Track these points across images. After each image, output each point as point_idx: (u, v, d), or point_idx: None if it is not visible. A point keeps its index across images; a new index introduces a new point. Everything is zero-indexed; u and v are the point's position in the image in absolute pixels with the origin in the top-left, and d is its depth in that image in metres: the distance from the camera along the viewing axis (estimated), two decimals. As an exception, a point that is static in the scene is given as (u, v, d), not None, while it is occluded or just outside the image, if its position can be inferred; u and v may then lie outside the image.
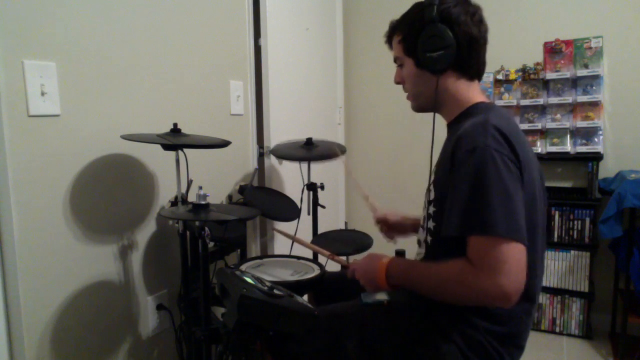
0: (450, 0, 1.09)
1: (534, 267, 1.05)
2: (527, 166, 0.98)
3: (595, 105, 2.51)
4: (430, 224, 1.11)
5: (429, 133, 3.22)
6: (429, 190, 1.12)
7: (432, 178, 1.12)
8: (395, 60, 1.21)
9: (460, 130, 1.02)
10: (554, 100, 2.57)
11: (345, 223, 2.85)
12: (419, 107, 1.22)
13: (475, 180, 0.94)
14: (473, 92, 1.13)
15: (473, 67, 1.13)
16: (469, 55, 1.10)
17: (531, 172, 1.01)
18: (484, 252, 0.92)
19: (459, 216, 0.95)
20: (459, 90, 1.13)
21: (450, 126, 1.16)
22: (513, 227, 0.91)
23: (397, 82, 1.22)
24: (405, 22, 1.15)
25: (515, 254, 0.90)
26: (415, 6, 1.14)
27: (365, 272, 1.13)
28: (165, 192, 1.76)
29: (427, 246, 1.14)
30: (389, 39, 1.21)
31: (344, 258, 1.38)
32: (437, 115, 1.20)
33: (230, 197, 2.11)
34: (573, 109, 2.56)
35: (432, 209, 1.10)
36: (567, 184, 2.65)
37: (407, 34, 1.14)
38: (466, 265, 0.94)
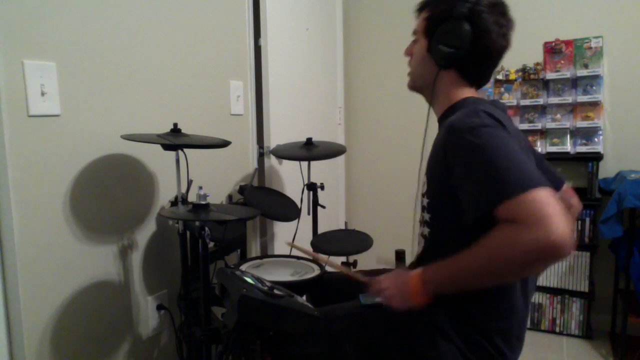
0: (487, 4, 1.06)
1: None
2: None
3: (595, 105, 2.51)
4: (426, 216, 1.11)
5: (429, 133, 3.21)
6: (420, 181, 1.13)
7: (425, 171, 1.12)
8: (414, 33, 1.19)
9: (450, 120, 1.02)
10: (554, 100, 2.57)
11: (345, 223, 2.85)
12: (413, 87, 1.22)
13: (480, 154, 0.92)
14: (465, 93, 1.13)
15: (476, 76, 1.13)
16: (477, 65, 1.10)
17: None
18: (520, 209, 0.85)
19: (480, 195, 0.91)
20: (453, 89, 1.13)
21: (440, 121, 1.16)
22: (529, 177, 0.87)
23: (407, 54, 1.22)
24: (439, 4, 1.11)
25: (546, 197, 0.84)
26: None
27: (396, 287, 1.03)
28: (165, 192, 1.76)
29: (425, 239, 1.14)
30: (420, 9, 1.18)
31: (363, 276, 1.30)
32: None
33: (230, 197, 2.11)
34: (573, 109, 2.56)
35: (425, 201, 1.10)
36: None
37: (434, 16, 1.12)
38: (511, 227, 0.86)
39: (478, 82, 1.14)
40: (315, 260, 1.53)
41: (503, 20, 1.07)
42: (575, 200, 1.26)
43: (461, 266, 0.94)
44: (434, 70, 1.12)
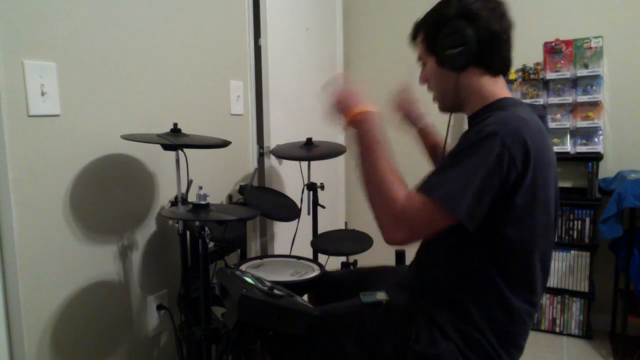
0: None
1: (538, 268, 1.05)
2: (539, 168, 0.96)
3: (595, 105, 2.51)
4: None
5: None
6: None
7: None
8: (419, 59, 1.19)
9: (484, 119, 1.01)
10: (554, 100, 2.57)
11: (345, 223, 2.85)
12: (445, 107, 1.19)
13: (461, 152, 0.97)
14: (498, 87, 1.11)
15: (496, 63, 1.09)
16: (491, 51, 1.07)
17: (545, 174, 0.99)
18: (418, 202, 0.97)
19: (433, 176, 1.00)
20: (483, 85, 1.10)
21: (472, 118, 1.13)
22: (454, 199, 0.93)
23: (422, 82, 1.20)
24: (427, 21, 1.14)
25: (432, 217, 0.96)
26: (438, 4, 1.12)
27: (344, 102, 1.13)
28: (165, 192, 1.76)
29: None
30: (414, 39, 1.19)
31: None
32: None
33: (230, 197, 2.11)
34: (573, 109, 2.56)
35: None
36: (567, 184, 2.65)
37: (428, 33, 1.13)
38: (403, 197, 0.98)
39: (502, 68, 1.11)
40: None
41: (493, 3, 1.07)
42: None
43: (371, 151, 1.06)
44: (454, 77, 1.10)
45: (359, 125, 1.09)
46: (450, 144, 1.14)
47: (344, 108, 1.13)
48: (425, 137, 1.50)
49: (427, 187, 0.98)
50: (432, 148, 1.48)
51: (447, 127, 1.18)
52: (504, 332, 1.04)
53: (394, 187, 1.01)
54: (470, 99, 1.12)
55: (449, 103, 1.17)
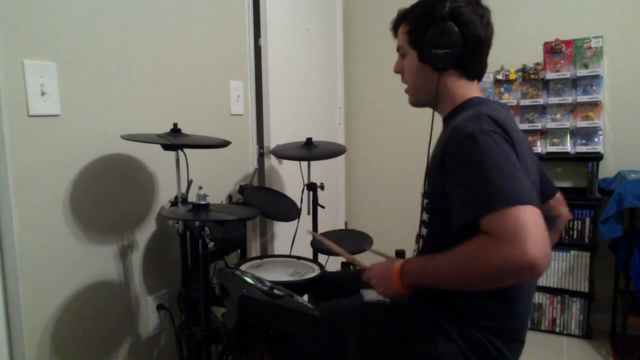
0: None
1: None
2: (520, 155, 0.98)
3: (595, 105, 2.51)
4: (425, 217, 1.11)
5: (428, 133, 3.21)
6: (424, 184, 1.13)
7: (426, 171, 1.12)
8: (399, 49, 1.20)
9: (454, 123, 1.02)
10: (554, 100, 2.57)
11: (345, 223, 2.84)
12: (416, 102, 1.21)
13: (474, 163, 0.93)
14: (470, 90, 1.14)
15: (475, 68, 1.13)
16: (472, 57, 1.10)
17: (525, 162, 1.00)
18: (500, 224, 0.85)
19: (466, 203, 0.92)
20: (457, 88, 1.13)
21: (446, 120, 1.16)
22: (518, 193, 0.87)
23: (397, 72, 1.22)
24: (415, 14, 1.14)
25: (530, 216, 0.84)
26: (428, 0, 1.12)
27: (380, 274, 1.08)
28: (165, 192, 1.76)
29: (423, 239, 1.14)
30: (396, 27, 1.20)
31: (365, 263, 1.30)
32: (436, 113, 1.20)
33: (230, 197, 2.11)
34: (573, 109, 2.56)
35: (425, 201, 1.11)
36: (567, 184, 2.65)
37: (415, 26, 1.13)
38: (486, 239, 0.87)
39: (479, 74, 1.15)
40: (333, 251, 1.45)
41: (481, 10, 1.09)
42: (564, 210, 1.27)
43: (435, 266, 0.96)
44: (433, 76, 1.12)
45: (409, 280, 1.02)
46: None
47: (384, 286, 1.07)
48: None
49: (486, 205, 0.88)
50: None
51: (431, 128, 1.18)
52: (504, 329, 1.04)
53: (472, 250, 0.89)
54: (444, 100, 1.15)
55: (421, 99, 1.19)
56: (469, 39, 1.07)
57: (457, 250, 0.91)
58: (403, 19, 1.17)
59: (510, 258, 0.82)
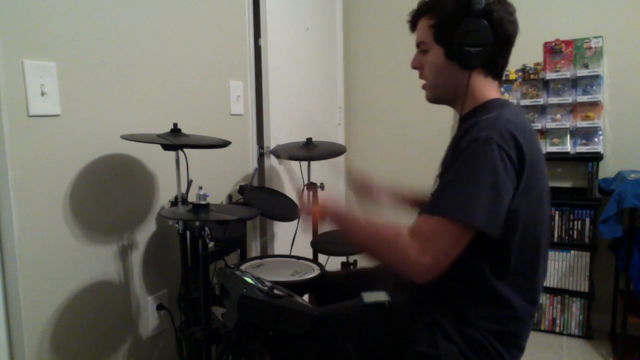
0: None
1: (537, 268, 1.05)
2: (533, 166, 0.97)
3: (595, 105, 2.51)
4: None
5: (429, 133, 3.23)
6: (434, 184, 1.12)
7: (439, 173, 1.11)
8: (419, 44, 1.14)
9: (472, 123, 1.01)
10: (554, 100, 2.57)
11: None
12: (434, 98, 1.17)
13: (466, 166, 0.95)
14: (491, 89, 1.11)
15: (500, 68, 1.10)
16: (501, 55, 1.08)
17: (537, 173, 1.00)
18: (426, 227, 0.95)
19: (434, 196, 0.99)
20: (480, 87, 1.10)
21: (463, 119, 1.13)
22: (471, 211, 0.91)
23: (415, 67, 1.17)
24: (443, 8, 1.06)
25: (451, 234, 0.93)
26: None
27: (336, 222, 1.12)
28: (165, 192, 1.76)
29: None
30: (415, 20, 1.14)
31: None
32: (448, 109, 1.19)
33: (230, 197, 2.11)
34: (573, 109, 2.56)
35: None
36: (567, 184, 2.65)
37: (442, 21, 1.06)
38: (407, 234, 0.96)
39: (501, 73, 1.12)
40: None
41: (510, 7, 1.06)
42: None
43: (360, 231, 1.05)
44: (458, 74, 1.08)
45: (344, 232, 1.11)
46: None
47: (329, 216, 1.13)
48: (402, 200, 1.43)
49: (437, 206, 0.96)
50: (414, 203, 1.42)
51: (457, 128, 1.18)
52: (505, 332, 1.04)
53: (392, 232, 0.99)
54: (464, 97, 1.11)
55: (440, 96, 1.16)
56: (500, 37, 1.04)
57: (381, 228, 1.00)
58: (426, 12, 1.10)
59: (405, 257, 0.94)
